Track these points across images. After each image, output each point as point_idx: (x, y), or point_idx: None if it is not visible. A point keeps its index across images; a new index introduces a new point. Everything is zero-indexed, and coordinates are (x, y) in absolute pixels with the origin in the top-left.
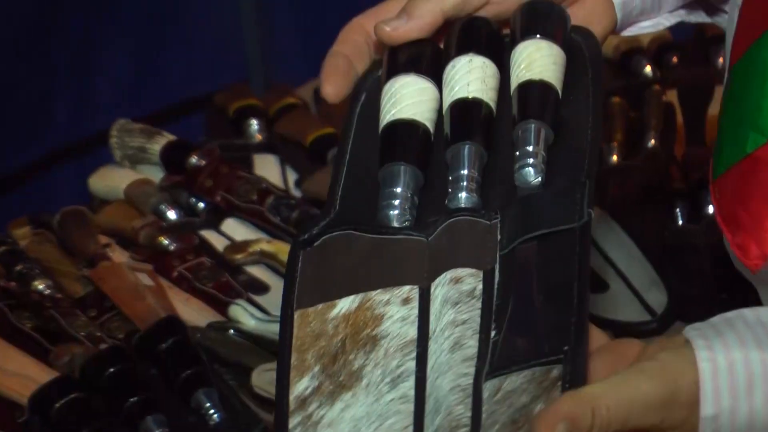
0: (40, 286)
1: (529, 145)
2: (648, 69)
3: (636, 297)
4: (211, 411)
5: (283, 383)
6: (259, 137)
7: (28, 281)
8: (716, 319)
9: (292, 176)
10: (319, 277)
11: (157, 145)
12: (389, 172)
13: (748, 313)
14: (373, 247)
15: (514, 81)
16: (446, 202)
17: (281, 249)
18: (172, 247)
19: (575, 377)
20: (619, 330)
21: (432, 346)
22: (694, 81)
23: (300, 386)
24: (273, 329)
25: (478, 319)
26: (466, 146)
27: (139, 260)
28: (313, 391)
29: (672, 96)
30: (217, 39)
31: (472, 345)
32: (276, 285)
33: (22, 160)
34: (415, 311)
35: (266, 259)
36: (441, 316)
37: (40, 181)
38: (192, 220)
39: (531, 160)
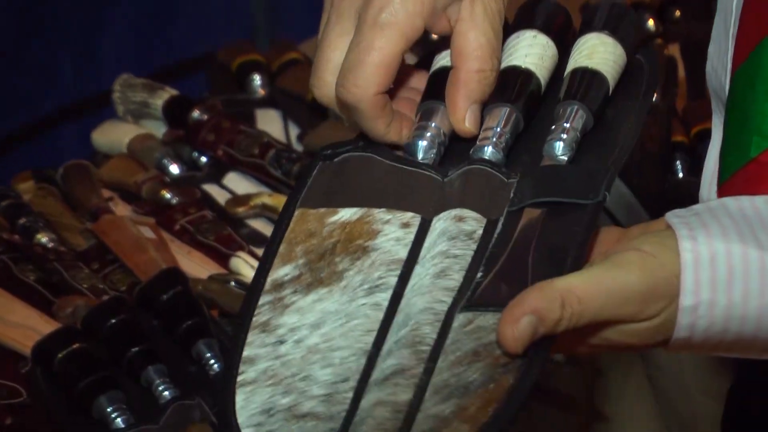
0: (44, 239)
1: (566, 122)
2: (651, 23)
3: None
4: (212, 361)
5: (264, 266)
6: (261, 92)
7: (31, 234)
8: (699, 207)
9: (294, 131)
10: (330, 187)
11: (160, 99)
12: (427, 107)
13: (731, 203)
14: (388, 172)
15: (571, 65)
16: (471, 151)
17: (282, 202)
18: (174, 201)
19: (541, 343)
20: None
21: (417, 270)
22: (697, 35)
23: (280, 272)
24: None
25: (469, 259)
26: (506, 108)
27: (141, 214)
28: (292, 279)
29: (674, 50)
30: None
31: (456, 279)
32: None
33: (27, 117)
34: (411, 236)
35: (267, 213)
36: (434, 245)
37: (45, 138)
38: (194, 174)
39: (564, 136)
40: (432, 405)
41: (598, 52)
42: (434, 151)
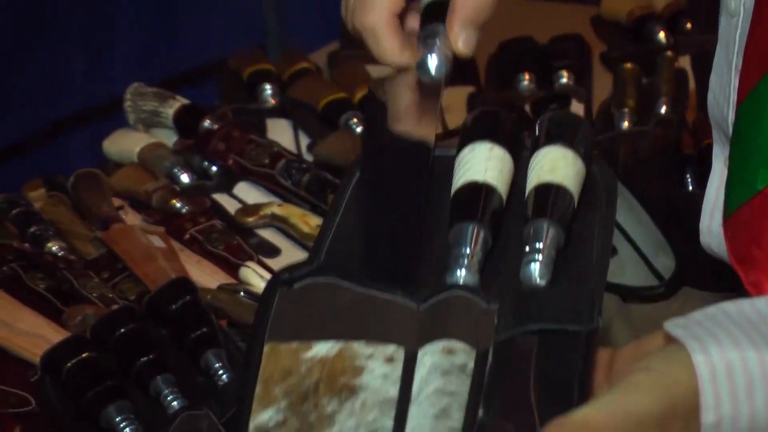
0: (54, 248)
1: (539, 243)
2: (662, 35)
3: (644, 262)
4: (220, 371)
5: (243, 411)
6: (272, 102)
7: (41, 243)
8: (699, 316)
9: (304, 140)
10: (297, 317)
11: (171, 108)
12: (429, 30)
13: (730, 307)
14: (359, 299)
15: (534, 180)
16: (445, 276)
17: (292, 212)
18: (184, 210)
19: None
20: (626, 294)
21: (414, 409)
22: (708, 47)
23: (263, 416)
24: None
25: (466, 395)
26: (472, 226)
27: (151, 222)
28: (277, 425)
29: (685, 62)
30: (233, 5)
31: (457, 418)
32: (287, 248)
33: (38, 123)
34: (399, 372)
35: (277, 223)
36: (428, 382)
37: (56, 145)
38: (204, 183)
39: (539, 257)
40: None
41: (560, 166)
42: (445, 67)
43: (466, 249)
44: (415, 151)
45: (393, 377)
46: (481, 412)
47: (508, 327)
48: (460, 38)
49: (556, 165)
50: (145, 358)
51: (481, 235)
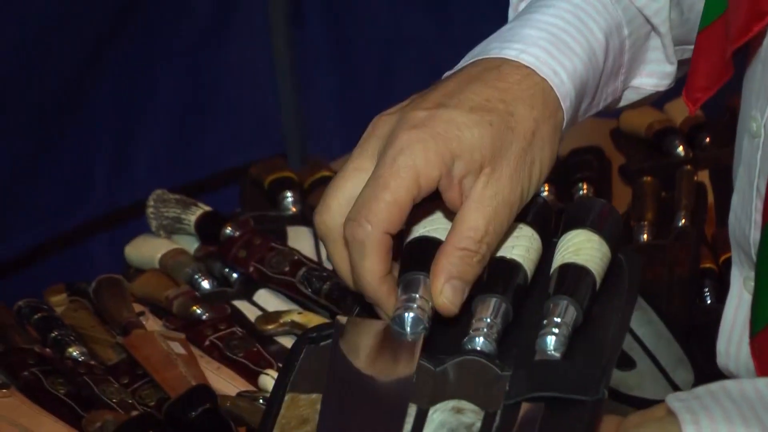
0: (75, 353)
1: (558, 317)
2: (681, 149)
3: (663, 375)
4: None
5: None
6: (293, 209)
7: (62, 348)
8: (700, 391)
9: (324, 249)
10: (319, 371)
11: (193, 215)
12: (409, 278)
13: (731, 386)
14: None
15: (558, 261)
16: (463, 341)
17: (312, 320)
18: (204, 317)
19: None
20: (645, 407)
21: None
22: (727, 161)
23: None
24: None
25: None
26: (495, 299)
27: (172, 329)
28: None
29: (704, 176)
30: (254, 113)
31: None
32: None
33: (59, 228)
34: (409, 426)
35: (297, 330)
36: None
37: (78, 250)
38: (225, 291)
39: (556, 331)
40: None
41: (585, 249)
42: (423, 325)
43: (487, 319)
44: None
45: (404, 430)
46: None
47: (519, 393)
48: (445, 292)
49: (581, 247)
50: None
51: (503, 308)
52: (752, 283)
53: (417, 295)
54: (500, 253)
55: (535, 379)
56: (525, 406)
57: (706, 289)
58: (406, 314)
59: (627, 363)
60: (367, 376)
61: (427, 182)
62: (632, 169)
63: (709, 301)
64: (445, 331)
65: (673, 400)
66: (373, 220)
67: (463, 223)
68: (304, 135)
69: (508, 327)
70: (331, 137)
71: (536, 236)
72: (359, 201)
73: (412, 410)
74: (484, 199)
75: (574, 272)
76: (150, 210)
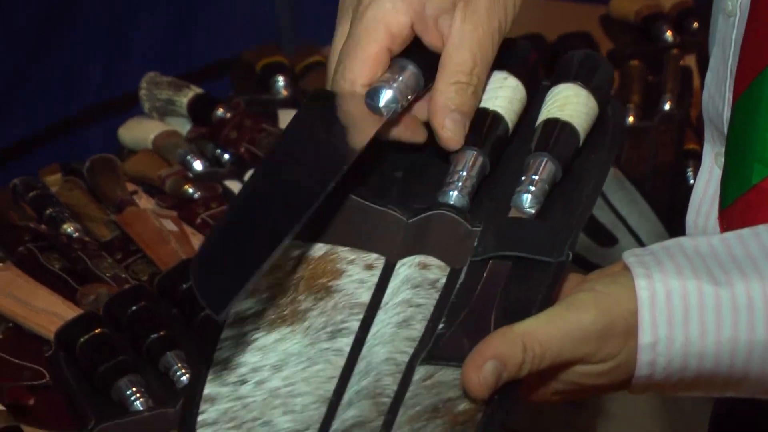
0: (69, 229)
1: (536, 175)
2: (669, 34)
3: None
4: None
5: None
6: (284, 93)
7: (57, 224)
8: (655, 247)
9: None
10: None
11: (185, 97)
12: (397, 63)
13: (686, 242)
14: (355, 209)
15: (543, 115)
16: (438, 195)
17: None
18: (196, 196)
19: (508, 387)
20: None
21: (380, 316)
22: None
23: (244, 305)
24: None
25: (431, 309)
26: (473, 152)
27: (164, 207)
28: (255, 314)
29: (690, 60)
30: (248, 2)
31: (418, 328)
32: None
33: (56, 115)
34: (375, 279)
35: None
36: (398, 292)
37: (72, 136)
38: (216, 171)
39: (532, 188)
40: None
41: (571, 104)
42: (397, 105)
43: (462, 172)
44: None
45: (368, 284)
46: (441, 325)
47: (487, 251)
48: (447, 125)
49: (567, 102)
50: (156, 335)
51: (479, 160)
52: (722, 159)
53: (399, 77)
54: (482, 104)
55: (505, 238)
56: (491, 264)
57: (689, 170)
58: (383, 88)
59: (610, 240)
60: (316, 137)
61: (399, 29)
62: (620, 54)
63: (691, 181)
64: (425, 186)
65: (629, 256)
66: (349, 77)
67: (450, 59)
68: (296, 22)
69: (486, 179)
70: (324, 24)
71: (521, 86)
72: (339, 59)
73: (379, 263)
74: (465, 33)
75: (557, 128)
76: (143, 92)
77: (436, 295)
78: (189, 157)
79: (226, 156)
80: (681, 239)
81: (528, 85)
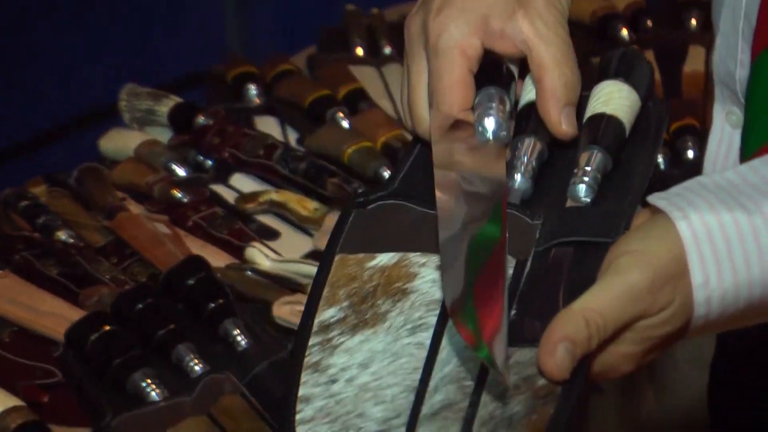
0: (63, 237)
1: (589, 166)
2: (624, 32)
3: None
4: (239, 338)
5: (310, 309)
6: (257, 101)
7: (51, 232)
8: (678, 189)
9: (292, 135)
10: (366, 234)
11: (165, 107)
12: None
13: (705, 180)
14: (420, 218)
15: (589, 112)
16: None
17: (290, 198)
18: (185, 200)
19: (581, 364)
20: None
21: None
22: (669, 42)
23: (326, 314)
24: (288, 269)
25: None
26: (531, 139)
27: (154, 212)
28: (338, 321)
29: (649, 55)
30: (200, 26)
31: None
32: (286, 232)
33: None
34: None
35: (275, 208)
36: None
37: (47, 152)
38: (201, 176)
39: (587, 179)
40: None
41: (615, 99)
42: (504, 131)
43: (524, 158)
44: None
45: (441, 282)
46: (513, 312)
47: (548, 240)
48: (563, 121)
49: (610, 97)
50: (165, 329)
51: (537, 146)
52: (734, 117)
53: (493, 104)
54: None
55: (564, 226)
56: (554, 252)
57: (660, 157)
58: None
59: None
60: (461, 181)
61: (474, 51)
62: (580, 54)
63: (663, 167)
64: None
65: (657, 199)
66: (444, 107)
67: (542, 59)
68: (244, 41)
69: (542, 175)
70: (272, 40)
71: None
72: (431, 93)
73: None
74: (540, 32)
75: (604, 122)
76: (123, 103)
77: (506, 285)
78: (172, 165)
79: (209, 162)
80: (699, 178)
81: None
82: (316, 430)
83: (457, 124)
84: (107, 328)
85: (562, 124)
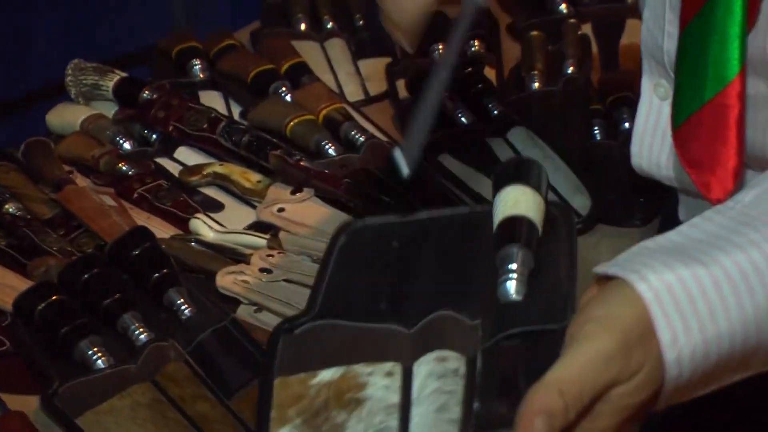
0: (11, 209)
1: (513, 264)
2: (563, 5)
3: (562, 202)
4: (183, 307)
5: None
6: (202, 76)
7: None
8: (625, 255)
9: (236, 109)
10: (300, 355)
11: (110, 81)
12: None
13: (648, 243)
14: (355, 332)
15: (499, 216)
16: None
17: (233, 170)
18: (131, 172)
19: None
20: None
21: (415, 409)
22: (607, 15)
23: None
24: (231, 239)
25: (462, 393)
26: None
27: (100, 185)
28: None
29: (587, 29)
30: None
31: (456, 411)
32: (229, 203)
33: None
34: (398, 382)
35: (219, 180)
36: (426, 386)
37: (3, 125)
38: (146, 150)
39: (513, 276)
40: None
41: (522, 201)
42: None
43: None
44: None
45: (393, 387)
46: (476, 405)
47: (493, 335)
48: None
49: (517, 201)
50: (111, 299)
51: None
52: (662, 89)
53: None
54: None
55: (506, 320)
56: (502, 345)
57: (596, 128)
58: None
59: None
60: None
61: None
62: (519, 26)
63: (598, 138)
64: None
65: (609, 267)
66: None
67: None
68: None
69: (468, 284)
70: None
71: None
72: None
73: (397, 369)
74: None
75: (517, 223)
76: (69, 78)
77: (462, 382)
78: (118, 138)
79: (154, 135)
80: (643, 243)
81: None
82: None
83: None
84: (54, 297)
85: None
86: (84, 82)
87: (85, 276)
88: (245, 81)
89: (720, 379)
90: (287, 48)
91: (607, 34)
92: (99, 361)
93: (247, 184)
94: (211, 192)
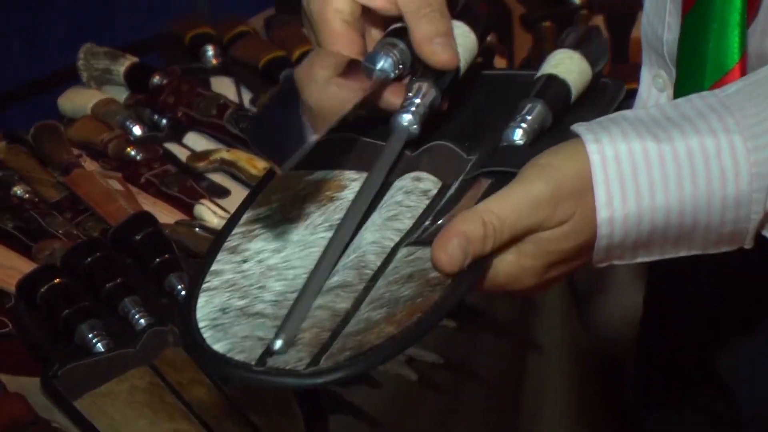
0: (19, 191)
1: (529, 115)
2: None
3: None
4: (183, 292)
5: (244, 205)
6: (214, 62)
7: (7, 186)
8: (601, 119)
9: (246, 95)
10: (310, 156)
11: (122, 66)
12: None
13: (628, 113)
14: (364, 146)
15: (538, 74)
16: (394, 116)
17: (240, 157)
18: (139, 157)
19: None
20: None
21: (373, 215)
22: (620, 7)
23: (257, 210)
24: None
25: (420, 211)
26: (420, 82)
27: (108, 169)
28: (265, 217)
29: (599, 21)
30: None
31: (406, 223)
32: (235, 189)
33: None
34: (373, 192)
35: (226, 167)
36: (392, 197)
37: (10, 110)
38: (155, 135)
39: (524, 125)
40: (365, 312)
41: (564, 64)
42: (393, 72)
43: (415, 99)
44: None
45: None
46: (427, 222)
47: (476, 170)
48: (436, 53)
49: (560, 62)
50: (113, 283)
51: (431, 91)
52: (660, 80)
53: (399, 44)
54: None
55: (493, 158)
56: (478, 180)
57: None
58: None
59: None
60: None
61: (346, 5)
62: (531, 18)
63: None
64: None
65: (578, 126)
66: (333, 49)
67: (406, 9)
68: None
69: (482, 126)
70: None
71: (471, 34)
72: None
73: (377, 181)
74: None
75: (549, 79)
76: (81, 62)
77: (426, 202)
78: (128, 123)
79: (164, 120)
80: (623, 111)
81: (477, 32)
82: (216, 296)
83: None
84: (57, 280)
85: (435, 53)
86: (95, 66)
87: (88, 260)
88: (257, 67)
89: (661, 250)
90: (299, 35)
91: (620, 26)
92: (99, 345)
93: (254, 171)
94: (218, 178)
